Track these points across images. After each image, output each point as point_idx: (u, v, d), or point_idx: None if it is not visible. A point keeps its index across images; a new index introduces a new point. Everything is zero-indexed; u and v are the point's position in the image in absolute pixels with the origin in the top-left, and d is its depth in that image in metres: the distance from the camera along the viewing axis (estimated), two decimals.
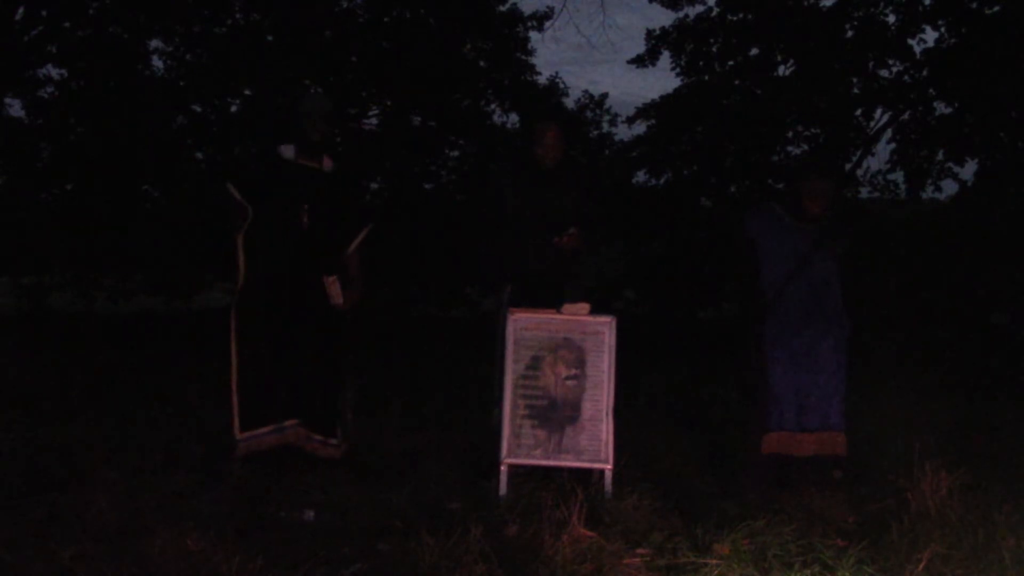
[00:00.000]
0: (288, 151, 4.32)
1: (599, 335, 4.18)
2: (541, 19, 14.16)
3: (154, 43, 13.12)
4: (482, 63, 14.24)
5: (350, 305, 4.38)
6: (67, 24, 12.51)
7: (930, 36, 17.14)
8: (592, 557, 3.14)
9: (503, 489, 3.98)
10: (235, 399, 4.16)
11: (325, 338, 4.31)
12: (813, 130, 12.56)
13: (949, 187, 12.32)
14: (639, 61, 13.17)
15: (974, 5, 11.23)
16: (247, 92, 13.36)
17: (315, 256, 4.28)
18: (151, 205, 13.37)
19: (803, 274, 4.26)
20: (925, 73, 11.81)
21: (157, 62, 13.30)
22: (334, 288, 4.29)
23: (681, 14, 12.79)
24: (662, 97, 13.01)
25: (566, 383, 4.15)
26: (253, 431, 4.16)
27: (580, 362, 4.16)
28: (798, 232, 4.30)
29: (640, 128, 13.35)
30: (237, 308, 4.20)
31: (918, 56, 11.76)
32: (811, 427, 4.22)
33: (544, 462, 4.12)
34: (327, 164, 4.39)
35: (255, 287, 4.21)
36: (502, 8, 14.06)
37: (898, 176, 12.51)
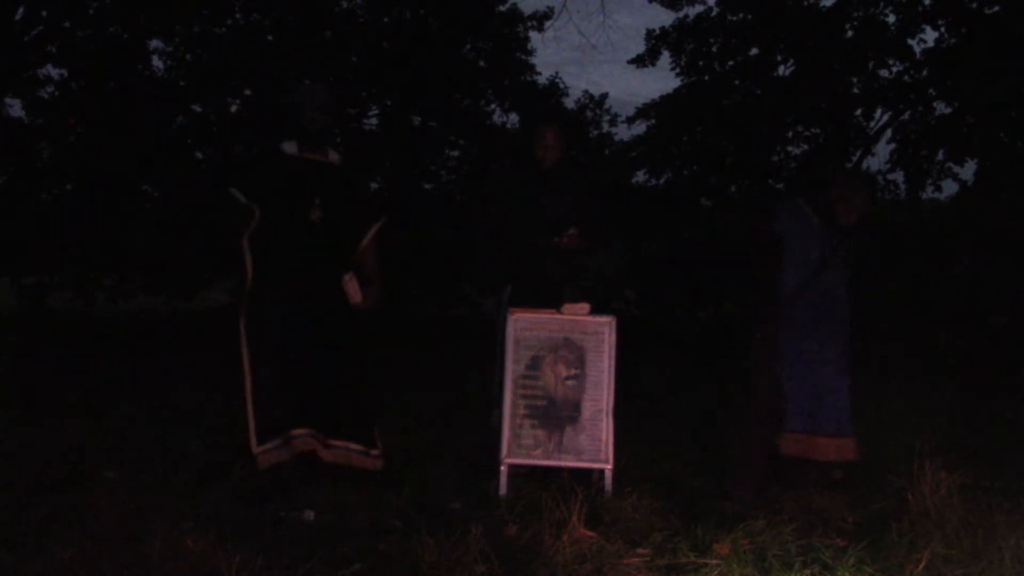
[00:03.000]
0: (290, 147, 4.16)
1: (599, 335, 4.19)
2: (541, 19, 14.15)
3: (154, 43, 13.14)
4: (482, 63, 14.23)
5: (371, 304, 4.18)
6: (67, 24, 12.50)
7: (930, 36, 17.13)
8: (592, 557, 3.14)
9: (503, 489, 3.98)
10: (250, 412, 3.98)
11: (349, 339, 4.14)
12: (813, 130, 12.55)
13: (949, 187, 12.33)
14: (639, 61, 13.16)
15: (974, 5, 11.23)
16: (247, 92, 13.36)
17: (329, 253, 4.11)
18: (151, 205, 13.36)
19: (820, 278, 4.25)
20: (925, 73, 11.80)
21: (157, 62, 13.31)
22: (352, 286, 4.08)
23: (681, 14, 12.79)
24: (662, 97, 13.01)
25: (566, 383, 4.15)
26: (269, 443, 3.97)
27: (580, 362, 4.16)
28: (822, 235, 4.29)
29: (640, 128, 13.35)
30: (247, 313, 4.02)
31: (918, 56, 11.75)
32: (827, 432, 4.22)
33: (544, 462, 4.12)
34: (333, 157, 4.23)
35: (265, 290, 4.04)
36: (502, 8, 14.05)
37: (898, 176, 12.51)
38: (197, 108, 13.47)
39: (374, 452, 4.14)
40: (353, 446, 4.11)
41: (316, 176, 4.15)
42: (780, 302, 4.27)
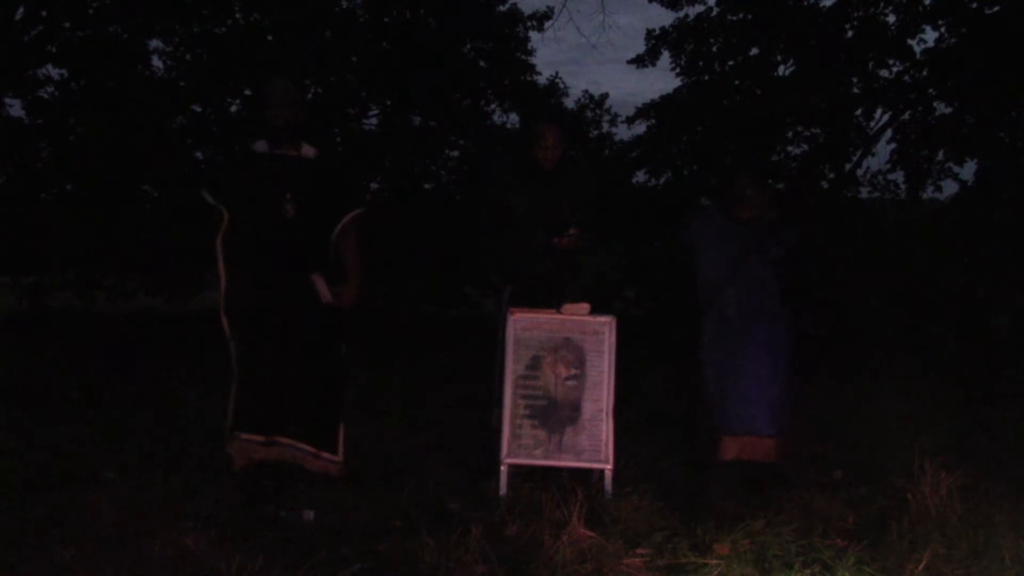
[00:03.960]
0: (261, 145, 4.14)
1: (599, 335, 4.19)
2: (541, 19, 14.14)
3: (154, 43, 13.14)
4: (482, 63, 14.23)
5: (348, 303, 4.13)
6: (67, 24, 12.50)
7: (930, 36, 17.11)
8: (592, 557, 3.14)
9: (503, 489, 3.98)
10: (231, 407, 3.99)
11: (321, 340, 4.08)
12: (813, 130, 12.54)
13: (949, 187, 12.33)
14: (639, 61, 13.15)
15: (974, 5, 11.23)
16: (247, 92, 13.36)
17: (303, 250, 4.06)
18: (151, 205, 13.36)
19: (739, 277, 4.27)
20: (925, 73, 11.80)
21: (157, 62, 13.31)
22: (319, 285, 4.05)
23: (681, 14, 12.78)
24: (662, 97, 12.99)
25: (566, 383, 4.15)
26: (249, 436, 3.96)
27: (580, 362, 4.16)
28: (736, 236, 4.32)
29: (640, 128, 13.34)
30: (226, 312, 4.03)
31: (918, 56, 11.75)
32: (757, 431, 4.23)
33: (544, 462, 4.12)
34: (307, 151, 4.16)
35: (240, 289, 4.02)
36: (502, 8, 14.05)
37: (898, 176, 12.51)
38: (197, 108, 13.47)
39: (325, 455, 4.06)
40: (302, 446, 4.02)
41: (289, 172, 4.10)
42: (704, 304, 4.32)
